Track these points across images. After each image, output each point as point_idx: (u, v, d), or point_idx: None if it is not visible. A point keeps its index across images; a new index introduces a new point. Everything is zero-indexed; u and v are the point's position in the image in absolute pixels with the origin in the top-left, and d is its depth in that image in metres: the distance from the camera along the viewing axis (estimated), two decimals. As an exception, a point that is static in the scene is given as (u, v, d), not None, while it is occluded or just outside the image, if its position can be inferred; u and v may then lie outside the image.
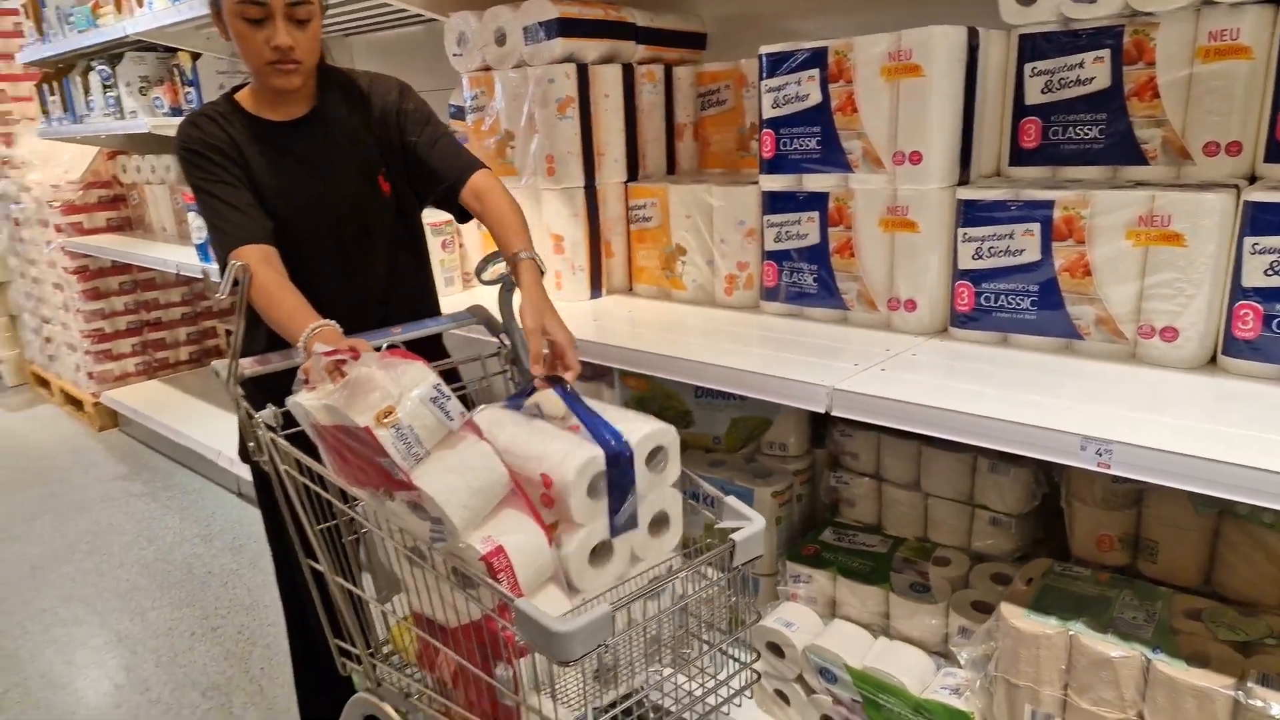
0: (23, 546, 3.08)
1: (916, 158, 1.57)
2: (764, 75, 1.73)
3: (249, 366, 1.27)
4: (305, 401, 1.05)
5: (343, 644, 1.36)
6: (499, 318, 1.50)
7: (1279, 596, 1.31)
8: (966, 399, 1.27)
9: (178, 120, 3.08)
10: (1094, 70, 1.51)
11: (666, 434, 1.11)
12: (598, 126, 1.99)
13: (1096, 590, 1.38)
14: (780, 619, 1.64)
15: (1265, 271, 1.27)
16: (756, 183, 1.82)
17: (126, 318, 4.04)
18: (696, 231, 1.92)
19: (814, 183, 1.71)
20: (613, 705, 1.02)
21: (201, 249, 2.84)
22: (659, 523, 1.14)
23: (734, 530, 1.05)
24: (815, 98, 1.67)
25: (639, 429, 1.08)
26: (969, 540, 1.68)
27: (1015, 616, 1.34)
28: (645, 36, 2.05)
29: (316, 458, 1.17)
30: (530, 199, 2.06)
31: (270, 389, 1.24)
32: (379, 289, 1.67)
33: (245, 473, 3.09)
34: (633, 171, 2.08)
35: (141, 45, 3.10)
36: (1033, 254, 1.48)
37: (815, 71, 1.66)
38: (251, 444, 1.21)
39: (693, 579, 1.02)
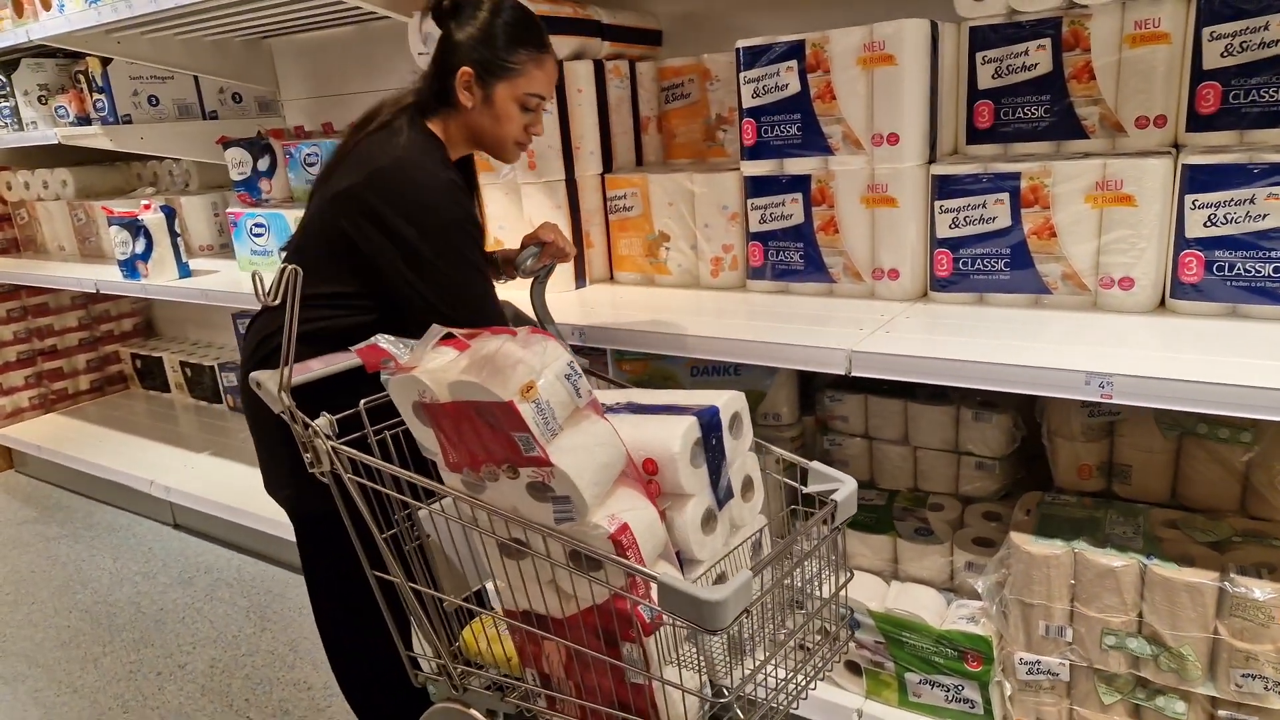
0: (-72, 605, 2.81)
1: (894, 139, 1.72)
2: (742, 68, 1.84)
3: (297, 374, 1.25)
4: (426, 376, 1.06)
5: (414, 655, 1.36)
6: (530, 314, 1.54)
7: (1235, 501, 1.53)
8: (974, 350, 1.42)
9: (88, 130, 2.92)
10: (1037, 57, 1.71)
11: (740, 400, 1.19)
12: (574, 120, 2.04)
13: (1085, 513, 1.57)
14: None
15: (1204, 224, 1.49)
16: (733, 169, 1.94)
17: (17, 347, 3.72)
18: (679, 218, 2.01)
19: (796, 166, 1.84)
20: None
21: (127, 265, 2.68)
22: (746, 488, 1.22)
23: (829, 491, 1.14)
24: (794, 87, 1.79)
25: (716, 397, 1.16)
26: (957, 485, 1.84)
27: (1025, 543, 1.50)
28: (610, 34, 2.12)
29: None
30: (510, 193, 2.09)
31: (307, 398, 1.22)
32: None
33: (182, 500, 2.93)
34: (607, 163, 2.14)
35: (40, 51, 2.89)
36: (1004, 220, 1.65)
37: (794, 63, 1.78)
38: (309, 456, 1.20)
39: (801, 540, 1.11)
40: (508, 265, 1.72)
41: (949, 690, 1.62)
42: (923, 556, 1.72)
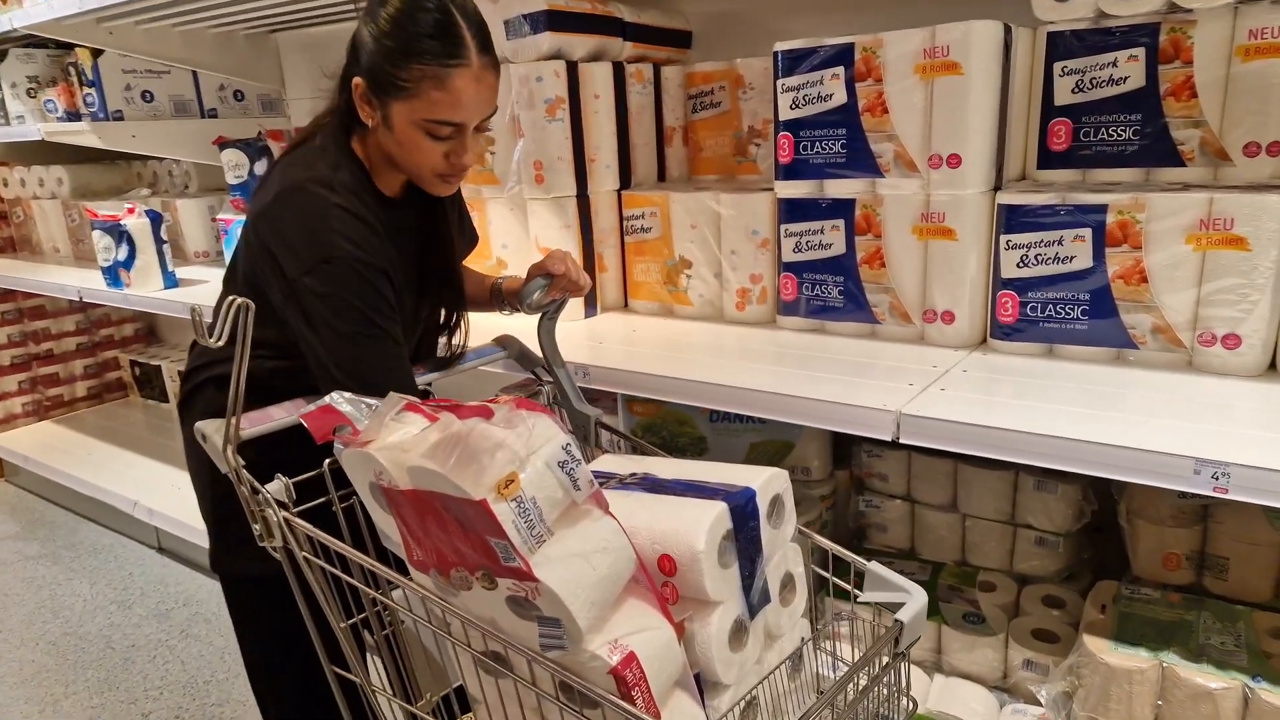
0: (-106, 624, 2.65)
1: (955, 161, 1.48)
2: (780, 74, 1.61)
3: (249, 426, 1.04)
4: (383, 454, 0.84)
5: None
6: (537, 351, 1.32)
7: (1362, 609, 1.27)
8: (1048, 421, 1.18)
9: (76, 126, 2.76)
10: (1128, 69, 1.46)
11: (782, 479, 0.96)
12: (589, 130, 1.82)
13: (1173, 614, 1.31)
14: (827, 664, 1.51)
15: (1335, 274, 1.23)
16: (765, 189, 1.71)
17: (11, 351, 3.57)
18: (703, 242, 1.78)
19: (838, 189, 1.60)
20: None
21: (109, 273, 2.51)
22: (785, 587, 0.99)
23: (892, 606, 0.91)
24: (840, 98, 1.56)
25: (752, 477, 0.93)
26: (1011, 562, 1.60)
27: (1102, 650, 1.25)
28: (633, 33, 1.90)
29: (335, 536, 0.97)
30: (515, 209, 1.87)
31: (259, 456, 1.02)
32: None
33: (166, 525, 2.75)
34: (624, 179, 1.92)
35: (30, 41, 2.73)
36: (1084, 261, 1.40)
37: (840, 70, 1.55)
38: (258, 528, 0.99)
39: (864, 671, 0.88)
40: (511, 296, 1.50)
41: (1001, 809, 1.37)
42: (973, 648, 1.48)
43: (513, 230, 1.91)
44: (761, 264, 1.73)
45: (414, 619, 0.99)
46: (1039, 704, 1.34)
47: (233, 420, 0.96)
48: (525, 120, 1.76)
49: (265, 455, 1.02)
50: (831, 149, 1.59)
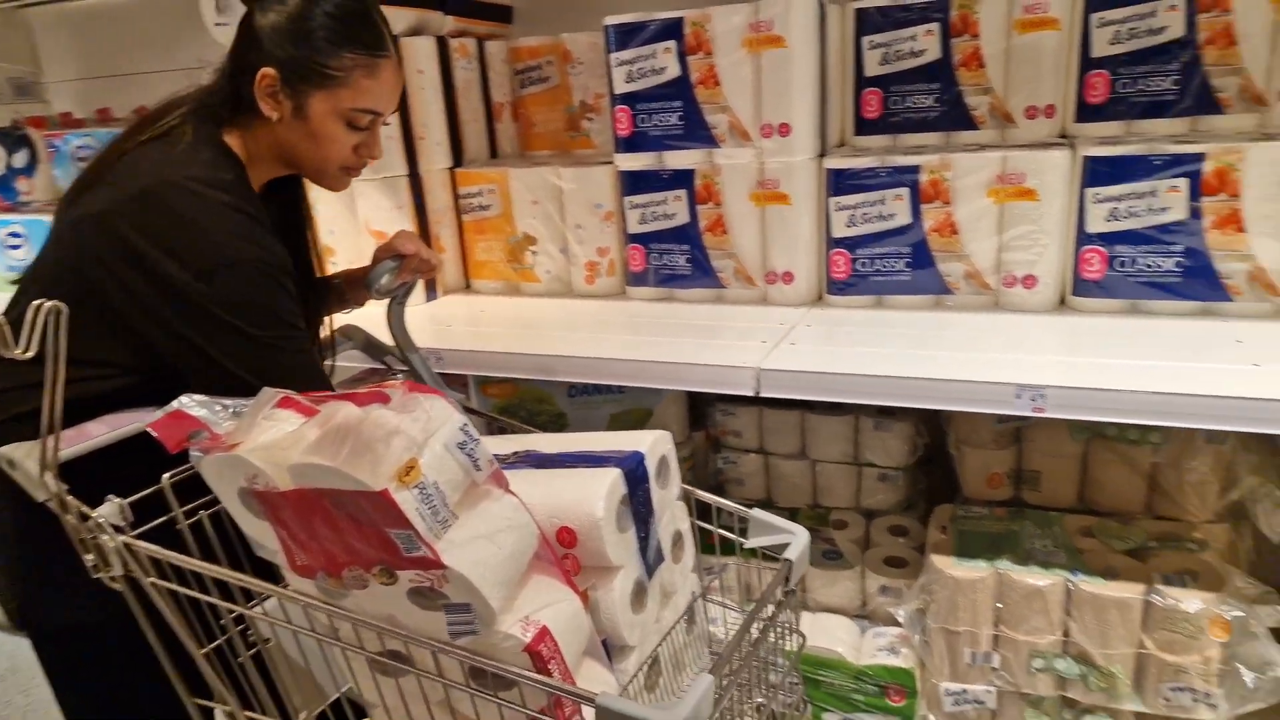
0: None
1: (785, 129, 1.56)
2: (613, 48, 1.62)
3: (67, 445, 0.92)
4: (258, 456, 0.77)
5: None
6: (386, 340, 1.26)
7: (1143, 503, 1.49)
8: (890, 364, 1.28)
9: None
10: (926, 42, 1.60)
11: (666, 440, 0.98)
12: (415, 106, 1.75)
13: (1001, 526, 1.48)
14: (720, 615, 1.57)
15: (1105, 218, 1.43)
16: (604, 163, 1.72)
17: None
18: (546, 218, 1.77)
19: (677, 160, 1.65)
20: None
21: None
22: (676, 544, 1.01)
23: (778, 548, 0.95)
24: (673, 71, 1.60)
25: (638, 441, 0.94)
26: (858, 499, 1.73)
27: (948, 566, 1.39)
28: (452, 7, 1.83)
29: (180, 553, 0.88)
30: (341, 193, 1.76)
31: (82, 478, 0.91)
32: None
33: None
34: (456, 157, 1.86)
35: None
36: (904, 217, 1.53)
37: (671, 44, 1.58)
38: (92, 559, 0.88)
39: (760, 614, 0.91)
40: (352, 287, 1.41)
41: (869, 727, 1.49)
42: (834, 583, 1.59)
43: (340, 215, 1.80)
44: (608, 236, 1.75)
45: (295, 630, 0.92)
46: (898, 624, 1.47)
47: (49, 441, 0.84)
48: (348, 97, 1.66)
49: (85, 481, 0.90)
50: (668, 121, 1.63)
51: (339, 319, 1.39)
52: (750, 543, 1.00)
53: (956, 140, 1.63)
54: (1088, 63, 1.52)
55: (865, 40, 1.64)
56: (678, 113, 1.61)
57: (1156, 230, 1.40)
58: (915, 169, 1.50)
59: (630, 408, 1.77)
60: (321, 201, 1.79)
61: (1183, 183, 1.37)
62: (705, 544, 1.09)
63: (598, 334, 1.54)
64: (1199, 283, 1.39)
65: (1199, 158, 1.35)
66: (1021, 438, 1.54)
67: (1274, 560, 1.46)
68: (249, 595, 0.92)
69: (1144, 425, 1.32)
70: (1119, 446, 1.46)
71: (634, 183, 1.68)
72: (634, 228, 1.70)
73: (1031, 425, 1.52)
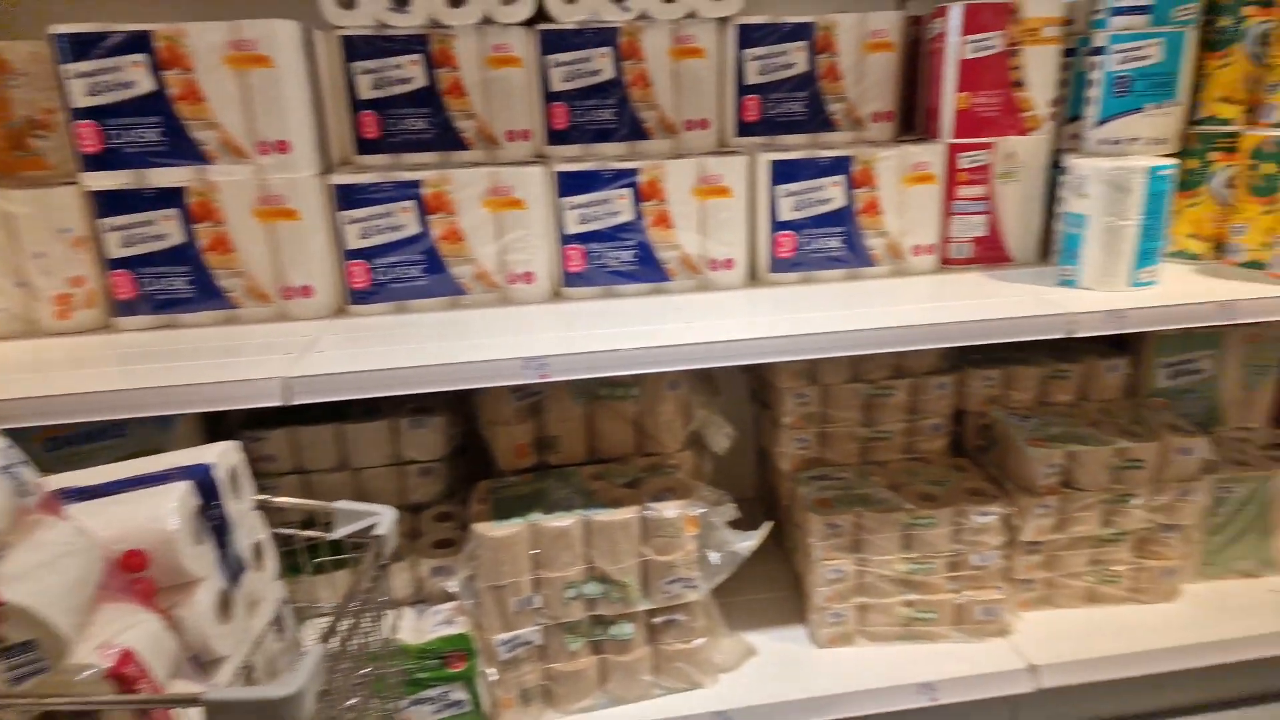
0: None
1: (284, 146, 1.58)
2: (66, 60, 1.47)
3: None
4: None
5: None
6: None
7: (634, 445, 1.82)
8: (416, 355, 1.40)
9: None
10: (412, 71, 1.76)
11: (234, 452, 0.95)
12: None
13: (530, 488, 1.69)
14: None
15: (578, 222, 1.73)
16: (68, 183, 1.55)
17: None
18: None
19: (162, 177, 1.55)
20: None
21: None
22: (257, 554, 0.98)
23: (368, 529, 0.98)
24: (147, 85, 1.51)
25: (202, 455, 0.90)
26: (406, 496, 1.80)
27: (487, 530, 1.54)
28: None
29: None
30: None
31: None
32: None
33: None
34: None
35: None
36: (414, 227, 1.66)
37: (141, 57, 1.49)
38: None
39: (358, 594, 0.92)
40: None
41: (436, 701, 1.58)
42: (390, 578, 1.64)
43: None
44: (82, 264, 1.56)
45: None
46: (454, 598, 1.58)
47: None
48: None
49: None
50: (148, 137, 1.53)
51: None
52: (341, 533, 1.02)
53: (453, 159, 1.82)
54: (550, 95, 1.81)
55: (356, 65, 1.73)
56: (158, 129, 1.52)
57: (615, 229, 1.74)
58: (417, 183, 1.64)
59: (136, 450, 1.60)
60: None
61: (628, 192, 1.72)
62: (286, 548, 1.08)
63: (76, 371, 1.38)
64: (648, 268, 1.76)
65: (635, 172, 1.71)
66: (540, 409, 1.77)
67: (722, 472, 1.92)
68: None
69: (624, 380, 1.64)
70: (610, 404, 1.77)
71: (111, 203, 1.53)
72: (118, 252, 1.55)
73: (547, 397, 1.76)
